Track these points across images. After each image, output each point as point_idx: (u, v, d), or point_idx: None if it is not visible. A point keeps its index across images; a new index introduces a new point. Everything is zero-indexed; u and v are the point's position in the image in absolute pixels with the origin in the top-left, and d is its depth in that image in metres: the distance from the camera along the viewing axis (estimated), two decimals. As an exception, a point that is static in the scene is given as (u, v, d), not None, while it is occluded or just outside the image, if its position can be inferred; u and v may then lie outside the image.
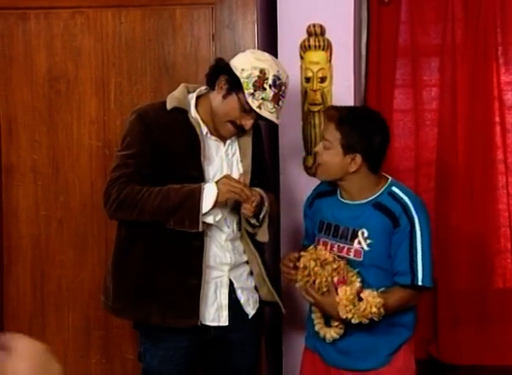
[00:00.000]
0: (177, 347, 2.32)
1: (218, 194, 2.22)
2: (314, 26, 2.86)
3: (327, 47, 2.87)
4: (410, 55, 3.23)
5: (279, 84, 2.27)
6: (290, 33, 2.87)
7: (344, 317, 2.20)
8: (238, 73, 2.25)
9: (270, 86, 2.25)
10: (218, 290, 2.36)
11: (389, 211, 2.27)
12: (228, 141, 2.38)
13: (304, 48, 2.88)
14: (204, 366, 2.45)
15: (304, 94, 2.90)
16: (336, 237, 2.33)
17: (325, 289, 2.26)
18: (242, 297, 2.41)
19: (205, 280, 2.32)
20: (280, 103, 2.29)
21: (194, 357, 2.38)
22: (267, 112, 2.26)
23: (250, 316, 2.43)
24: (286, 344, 2.91)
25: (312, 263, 2.26)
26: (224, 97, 2.28)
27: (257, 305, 2.45)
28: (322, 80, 2.89)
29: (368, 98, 3.26)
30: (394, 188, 2.32)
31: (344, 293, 2.20)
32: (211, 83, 2.33)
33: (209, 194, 2.22)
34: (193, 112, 2.33)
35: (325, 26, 2.85)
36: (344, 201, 2.37)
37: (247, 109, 2.26)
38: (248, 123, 2.29)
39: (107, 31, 2.80)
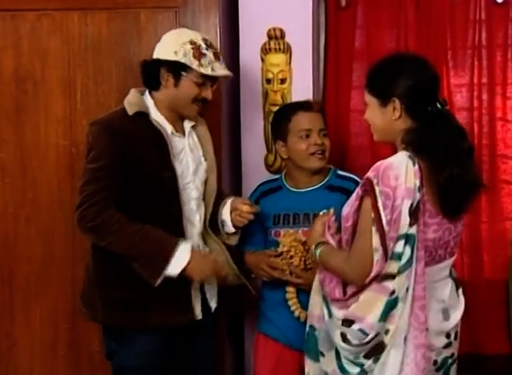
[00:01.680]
0: (154, 341, 2.34)
1: (187, 266, 2.25)
2: (274, 29, 2.94)
3: (287, 50, 2.96)
4: (366, 58, 3.28)
5: (210, 43, 2.36)
6: (251, 37, 2.95)
7: None
8: (174, 58, 2.29)
9: (206, 49, 2.32)
10: (190, 285, 2.39)
11: (343, 189, 2.49)
12: (187, 133, 2.42)
13: (265, 50, 2.97)
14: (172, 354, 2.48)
15: (265, 94, 2.99)
16: (298, 223, 2.49)
17: (309, 266, 2.39)
18: (207, 292, 2.49)
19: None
20: (221, 58, 2.36)
21: (169, 349, 2.40)
22: (221, 70, 2.34)
23: (212, 310, 2.52)
24: (248, 331, 2.99)
25: (295, 243, 2.40)
26: (176, 85, 2.32)
27: (216, 297, 2.53)
28: (282, 81, 2.98)
29: (326, 99, 3.33)
30: (339, 172, 2.59)
31: None
32: (154, 84, 2.35)
33: (179, 260, 2.24)
34: (153, 114, 2.36)
35: (285, 29, 2.94)
36: (297, 190, 2.54)
37: (202, 82, 2.32)
38: (209, 92, 2.36)
39: (73, 33, 2.86)
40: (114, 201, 2.25)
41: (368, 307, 2.04)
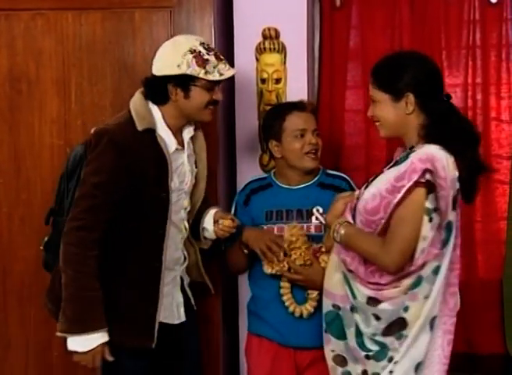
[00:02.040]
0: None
1: (80, 353, 2.23)
2: (269, 29, 2.95)
3: (281, 49, 2.97)
4: (360, 58, 3.31)
5: (208, 46, 2.33)
6: (246, 37, 2.96)
7: None
8: (179, 71, 2.26)
9: (207, 53, 2.29)
10: (173, 288, 2.42)
11: (334, 186, 2.55)
12: (185, 144, 2.42)
13: (260, 50, 2.98)
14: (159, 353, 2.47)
15: (260, 94, 3.00)
16: (292, 219, 2.52)
17: (308, 262, 2.42)
18: (189, 291, 2.52)
19: (161, 298, 2.34)
20: (223, 57, 2.35)
21: (157, 347, 2.38)
22: (226, 71, 2.32)
23: (195, 308, 2.54)
24: (243, 332, 2.97)
25: (294, 238, 2.43)
26: (186, 97, 2.30)
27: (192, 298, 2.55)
28: (277, 81, 2.99)
29: (320, 99, 3.35)
30: (328, 171, 2.65)
31: (328, 258, 2.38)
32: (163, 100, 2.32)
33: (83, 342, 2.21)
34: (160, 128, 2.33)
35: (280, 29, 2.95)
36: (289, 187, 2.58)
37: (210, 87, 2.31)
38: (219, 94, 2.36)
39: (67, 33, 2.85)
40: (105, 222, 2.24)
41: None
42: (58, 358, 2.94)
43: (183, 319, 2.45)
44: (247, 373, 2.70)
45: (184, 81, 2.28)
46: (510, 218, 3.33)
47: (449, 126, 2.15)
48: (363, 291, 2.18)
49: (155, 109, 2.34)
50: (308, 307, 2.48)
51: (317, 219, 2.53)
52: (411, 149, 2.17)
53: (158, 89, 2.31)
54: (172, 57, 2.29)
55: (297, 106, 2.59)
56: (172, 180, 2.33)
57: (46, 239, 2.50)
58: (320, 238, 2.50)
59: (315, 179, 2.61)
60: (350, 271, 2.21)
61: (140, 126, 2.28)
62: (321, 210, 2.52)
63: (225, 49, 2.98)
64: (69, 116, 2.87)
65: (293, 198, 2.57)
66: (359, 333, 2.21)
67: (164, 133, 2.34)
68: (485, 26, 3.26)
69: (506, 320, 3.37)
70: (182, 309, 2.45)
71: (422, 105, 2.17)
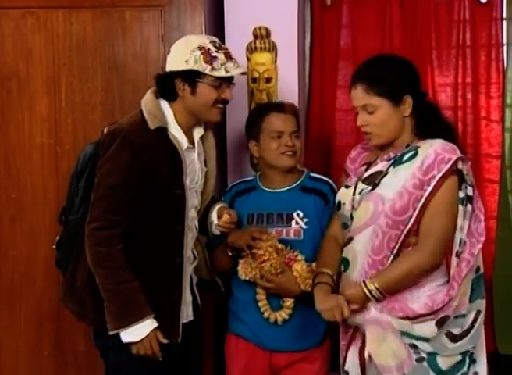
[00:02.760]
0: None
1: (137, 343, 2.25)
2: (259, 28, 2.94)
3: (272, 49, 2.97)
4: (351, 57, 3.32)
5: (219, 45, 2.34)
6: (237, 36, 2.95)
7: (304, 288, 2.39)
8: (186, 67, 2.27)
9: (216, 51, 2.30)
10: (184, 290, 2.40)
11: (316, 191, 2.54)
12: (196, 143, 2.42)
13: (251, 49, 2.97)
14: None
15: (251, 93, 2.99)
16: (272, 223, 2.53)
17: (279, 271, 2.43)
18: (196, 291, 2.51)
19: (185, 294, 2.36)
20: (234, 56, 2.35)
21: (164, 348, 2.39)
22: (234, 70, 2.32)
23: (201, 308, 2.53)
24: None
25: (270, 249, 2.43)
26: (193, 93, 2.31)
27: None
28: (268, 80, 2.99)
29: (311, 98, 3.36)
30: (312, 174, 2.63)
31: (301, 267, 2.41)
32: (171, 96, 2.34)
33: (135, 331, 2.23)
34: (172, 126, 2.34)
35: (271, 28, 2.94)
36: (271, 190, 2.58)
37: (218, 85, 2.31)
38: (227, 93, 2.34)
39: (57, 32, 2.85)
40: (125, 221, 2.26)
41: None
42: (48, 358, 2.95)
43: (191, 317, 2.45)
44: (226, 372, 2.71)
45: (191, 77, 2.29)
46: (500, 217, 3.35)
47: (437, 121, 2.22)
48: (425, 327, 2.13)
49: (167, 108, 2.36)
50: (283, 314, 2.49)
51: (297, 223, 2.52)
52: (407, 147, 2.21)
53: (166, 84, 2.33)
54: (181, 53, 2.31)
55: (276, 107, 2.59)
56: (187, 178, 2.34)
57: (58, 238, 2.50)
58: (298, 243, 2.50)
59: (298, 182, 2.59)
60: (404, 318, 2.15)
61: (152, 125, 2.29)
62: (301, 214, 2.51)
63: (216, 48, 2.98)
64: (59, 115, 2.87)
65: (274, 201, 2.57)
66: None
67: (175, 131, 2.35)
68: (475, 25, 3.28)
69: (496, 319, 3.39)
70: (190, 308, 2.45)
71: (414, 105, 2.21)
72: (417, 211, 2.12)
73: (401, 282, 2.14)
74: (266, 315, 2.50)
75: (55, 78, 2.86)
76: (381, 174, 2.23)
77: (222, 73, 2.28)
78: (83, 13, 2.85)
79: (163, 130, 2.31)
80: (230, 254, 2.54)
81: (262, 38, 2.96)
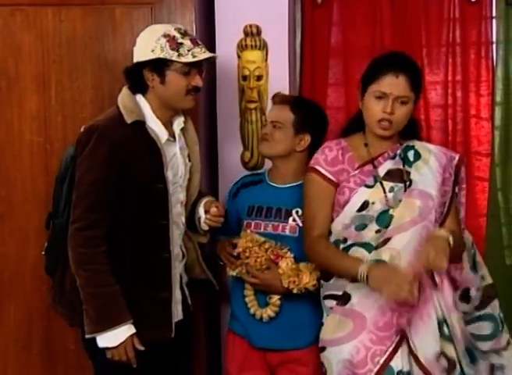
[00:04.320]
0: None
1: (111, 348, 2.24)
2: (250, 26, 2.95)
3: (263, 46, 2.97)
4: (342, 55, 3.32)
5: (184, 31, 2.33)
6: (228, 33, 2.95)
7: (287, 286, 2.39)
8: (152, 56, 2.26)
9: (182, 37, 2.29)
10: (174, 286, 2.40)
11: None
12: (177, 136, 2.41)
13: (241, 47, 2.98)
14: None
15: (242, 91, 3.00)
16: (270, 217, 2.53)
17: (264, 266, 2.42)
18: (186, 290, 2.50)
19: (175, 289, 2.35)
20: (200, 42, 2.34)
21: (154, 345, 2.37)
22: (201, 54, 2.29)
23: (191, 308, 2.51)
24: (224, 329, 2.98)
25: (250, 244, 2.42)
26: (162, 82, 2.30)
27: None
28: (259, 78, 2.99)
29: (302, 96, 3.36)
30: None
31: (286, 265, 2.40)
32: (142, 88, 2.33)
33: (111, 337, 2.22)
34: (150, 119, 2.32)
35: (261, 26, 2.95)
36: (276, 185, 2.59)
37: (187, 71, 2.29)
38: (198, 80, 2.32)
39: (47, 29, 2.83)
40: (107, 219, 2.24)
41: None
42: (37, 357, 2.93)
43: (181, 317, 2.43)
44: (223, 369, 2.72)
45: (159, 66, 2.28)
46: (490, 215, 3.36)
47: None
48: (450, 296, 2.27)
49: (143, 101, 2.35)
50: (269, 311, 2.50)
51: (294, 220, 2.53)
52: (401, 145, 2.32)
53: (135, 77, 2.32)
54: (146, 43, 2.30)
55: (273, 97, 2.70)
56: (168, 171, 2.32)
57: (46, 244, 2.49)
58: (293, 240, 2.50)
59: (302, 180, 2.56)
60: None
61: (129, 119, 2.28)
62: (300, 212, 2.50)
63: (207, 46, 2.92)
64: (49, 113, 2.86)
65: (276, 196, 2.57)
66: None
67: (154, 124, 2.33)
68: (465, 24, 3.29)
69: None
70: (179, 307, 2.43)
71: None
72: (447, 205, 2.28)
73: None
74: (252, 311, 2.51)
75: (45, 76, 2.85)
76: (401, 172, 2.27)
77: (189, 59, 2.27)
78: (72, 11, 2.83)
79: (141, 124, 2.30)
80: (221, 263, 2.56)
81: (253, 36, 2.96)
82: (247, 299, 2.53)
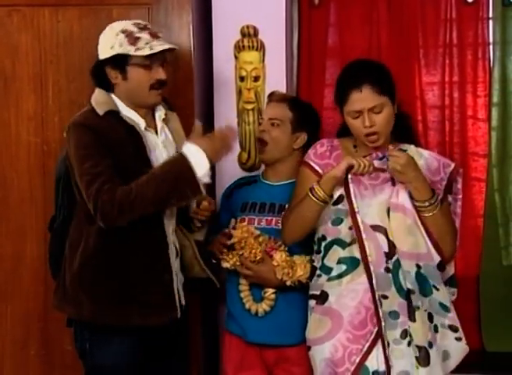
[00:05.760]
0: (130, 341, 2.32)
1: (207, 156, 2.22)
2: (247, 27, 2.95)
3: (260, 47, 2.97)
4: (339, 55, 3.31)
5: (143, 26, 2.32)
6: (225, 34, 2.96)
7: (281, 278, 2.40)
8: (112, 53, 2.26)
9: (139, 32, 2.28)
10: (173, 267, 2.38)
11: None
12: (159, 130, 2.40)
13: (238, 48, 2.98)
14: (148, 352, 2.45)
15: (239, 92, 3.00)
16: (263, 212, 2.57)
17: (258, 258, 2.44)
18: (181, 290, 2.47)
19: (175, 273, 2.35)
20: (160, 35, 2.33)
21: (145, 348, 2.38)
22: (159, 46, 2.28)
23: (183, 308, 2.49)
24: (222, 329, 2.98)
25: (246, 234, 2.44)
26: (124, 78, 2.30)
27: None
28: (256, 79, 2.99)
29: (299, 97, 3.36)
30: None
31: (280, 257, 2.42)
32: (108, 86, 2.33)
33: (196, 158, 2.20)
34: (124, 110, 2.33)
35: (258, 27, 2.95)
36: (269, 183, 2.63)
37: (148, 64, 2.28)
38: (160, 73, 2.31)
39: (44, 29, 2.84)
40: (115, 176, 2.22)
41: None
42: (34, 357, 2.93)
43: (183, 302, 2.43)
44: (220, 369, 2.72)
45: (119, 62, 2.28)
46: (487, 215, 3.37)
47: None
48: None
49: (116, 98, 2.35)
50: (264, 305, 2.50)
51: None
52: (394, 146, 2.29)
53: (99, 75, 2.32)
54: (106, 40, 2.30)
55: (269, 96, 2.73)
56: (151, 155, 2.31)
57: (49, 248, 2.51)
58: None
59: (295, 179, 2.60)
60: None
61: (101, 111, 2.28)
62: None
63: (204, 47, 2.98)
64: (46, 113, 2.86)
65: (269, 192, 2.61)
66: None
67: (128, 113, 2.33)
68: (462, 24, 3.29)
69: (483, 317, 3.41)
70: (181, 289, 2.42)
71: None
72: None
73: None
74: (247, 306, 2.52)
75: (42, 76, 2.85)
76: (384, 172, 2.28)
77: (146, 51, 2.26)
78: (69, 11, 2.84)
79: (115, 113, 2.30)
80: (215, 261, 2.56)
81: (250, 37, 2.96)
82: (242, 294, 2.53)
